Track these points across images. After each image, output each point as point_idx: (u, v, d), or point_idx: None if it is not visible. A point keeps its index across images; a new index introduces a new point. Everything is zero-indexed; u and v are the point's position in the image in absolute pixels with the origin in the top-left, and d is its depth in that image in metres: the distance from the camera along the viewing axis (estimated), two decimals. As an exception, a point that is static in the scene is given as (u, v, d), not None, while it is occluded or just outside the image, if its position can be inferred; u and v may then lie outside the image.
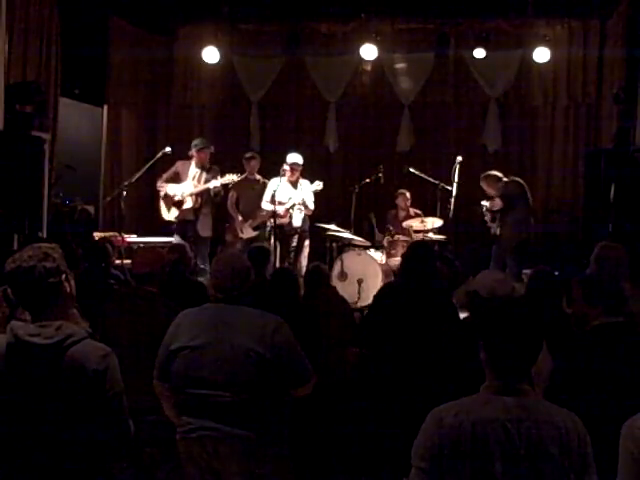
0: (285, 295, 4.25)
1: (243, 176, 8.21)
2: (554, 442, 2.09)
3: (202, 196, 7.82)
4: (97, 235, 7.69)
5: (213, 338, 2.95)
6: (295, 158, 8.03)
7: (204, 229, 7.91)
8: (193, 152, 7.87)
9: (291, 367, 3.01)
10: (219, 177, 7.72)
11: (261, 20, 9.83)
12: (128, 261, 7.38)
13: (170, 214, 7.89)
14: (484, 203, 7.72)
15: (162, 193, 7.87)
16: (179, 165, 7.94)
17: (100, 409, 2.35)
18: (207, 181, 7.78)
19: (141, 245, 7.63)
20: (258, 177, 8.36)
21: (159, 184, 7.89)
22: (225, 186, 7.89)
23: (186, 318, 3.09)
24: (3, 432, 2.34)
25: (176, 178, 7.91)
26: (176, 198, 7.81)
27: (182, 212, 7.82)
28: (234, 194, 8.38)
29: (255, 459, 2.92)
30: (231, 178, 7.74)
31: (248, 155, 8.50)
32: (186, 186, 7.82)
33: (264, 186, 8.20)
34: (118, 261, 6.94)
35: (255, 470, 2.92)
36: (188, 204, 7.80)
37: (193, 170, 7.87)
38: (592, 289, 3.23)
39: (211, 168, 7.90)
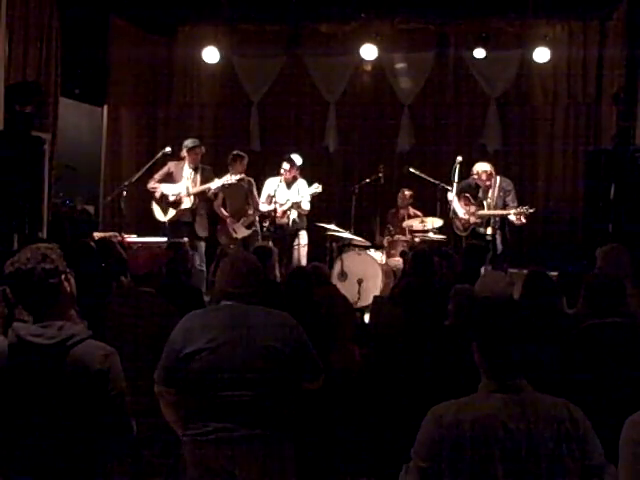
0: (302, 295, 4.27)
1: (227, 175, 8.01)
2: (553, 436, 2.10)
3: (199, 197, 7.81)
4: (97, 235, 7.68)
5: (232, 338, 2.94)
6: (292, 155, 8.08)
7: (201, 229, 7.91)
8: (184, 152, 7.84)
9: (305, 362, 3.04)
10: (216, 178, 7.70)
11: (261, 20, 9.82)
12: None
13: (167, 215, 7.87)
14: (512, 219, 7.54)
15: (157, 194, 7.83)
16: (171, 166, 7.90)
17: (103, 409, 2.35)
18: (204, 181, 7.76)
19: (139, 245, 7.59)
20: (242, 175, 8.23)
21: (152, 185, 7.82)
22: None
23: (196, 320, 3.05)
24: (6, 432, 2.34)
25: (169, 179, 7.87)
26: (171, 198, 7.79)
27: (178, 213, 7.80)
28: (220, 195, 8.31)
29: (271, 457, 2.92)
30: (233, 178, 7.72)
31: (235, 155, 8.13)
32: (182, 186, 7.80)
33: (249, 184, 8.14)
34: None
35: (271, 469, 2.92)
36: (186, 204, 7.78)
37: (187, 171, 7.85)
38: (595, 288, 3.24)
39: (204, 168, 7.88)
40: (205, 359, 2.92)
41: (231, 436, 2.90)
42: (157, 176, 7.87)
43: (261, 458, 2.90)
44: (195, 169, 7.83)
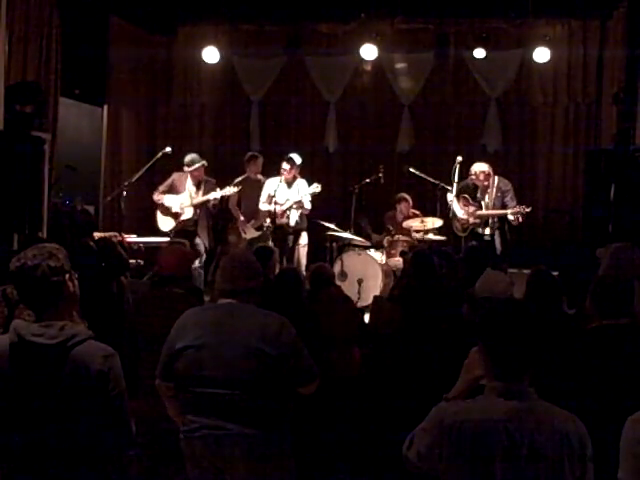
0: (290, 295, 4.25)
1: (245, 176, 8.18)
2: (555, 446, 2.08)
3: (200, 208, 7.79)
4: (97, 235, 7.67)
5: (218, 337, 2.95)
6: (292, 155, 8.09)
7: (203, 240, 7.88)
8: (186, 169, 7.76)
9: (297, 366, 3.02)
10: (217, 189, 7.69)
11: (261, 20, 9.83)
12: (131, 261, 7.37)
13: (167, 225, 7.86)
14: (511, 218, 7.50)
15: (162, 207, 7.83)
16: (175, 177, 7.86)
17: (103, 409, 2.36)
18: (206, 194, 7.71)
19: (166, 244, 7.45)
20: (260, 177, 8.33)
21: (156, 197, 7.81)
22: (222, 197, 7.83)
23: (191, 317, 3.09)
24: (6, 432, 2.34)
25: (172, 189, 7.86)
26: (173, 210, 7.78)
27: (181, 223, 7.79)
28: (236, 194, 8.34)
29: (260, 457, 2.92)
30: (230, 190, 7.72)
31: (251, 155, 8.42)
32: (184, 197, 7.78)
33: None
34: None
35: (259, 468, 2.92)
36: (187, 215, 7.76)
37: (190, 184, 7.82)
38: (602, 289, 3.23)
39: (208, 181, 7.85)
40: (191, 356, 2.95)
41: (216, 434, 2.91)
42: (161, 187, 7.86)
43: (250, 457, 2.91)
44: (198, 184, 7.80)
